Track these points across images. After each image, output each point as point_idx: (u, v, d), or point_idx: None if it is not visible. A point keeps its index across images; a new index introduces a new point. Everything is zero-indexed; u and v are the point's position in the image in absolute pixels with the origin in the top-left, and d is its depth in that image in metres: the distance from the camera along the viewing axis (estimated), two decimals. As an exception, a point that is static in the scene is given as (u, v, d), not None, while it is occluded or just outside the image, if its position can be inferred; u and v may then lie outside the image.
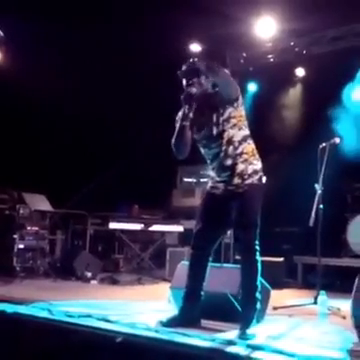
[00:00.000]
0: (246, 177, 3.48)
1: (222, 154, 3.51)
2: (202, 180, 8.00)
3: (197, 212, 3.77)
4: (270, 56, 8.62)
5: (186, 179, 8.63)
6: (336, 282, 6.20)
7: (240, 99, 3.58)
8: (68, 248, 7.80)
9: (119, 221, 7.09)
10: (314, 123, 7.32)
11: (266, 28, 7.84)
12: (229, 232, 5.88)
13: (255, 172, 3.51)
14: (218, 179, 3.58)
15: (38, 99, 7.93)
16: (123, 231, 7.25)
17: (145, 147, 8.48)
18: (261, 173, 3.55)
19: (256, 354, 2.80)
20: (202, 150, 3.68)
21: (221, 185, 3.56)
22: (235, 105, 3.53)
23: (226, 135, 3.50)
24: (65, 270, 6.59)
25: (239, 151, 3.50)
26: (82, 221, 7.80)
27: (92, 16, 7.45)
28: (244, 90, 8.64)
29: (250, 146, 3.56)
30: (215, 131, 3.52)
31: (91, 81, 8.04)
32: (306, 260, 6.66)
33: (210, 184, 3.68)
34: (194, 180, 8.44)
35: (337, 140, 4.74)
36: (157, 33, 7.52)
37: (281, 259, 6.40)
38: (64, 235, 7.88)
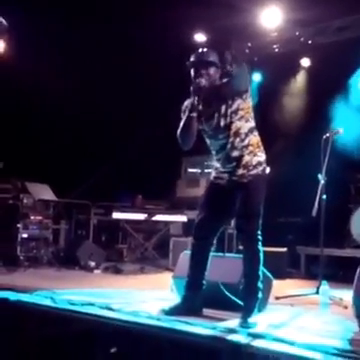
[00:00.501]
0: (251, 168, 3.50)
1: (229, 146, 3.51)
2: (207, 170, 8.00)
3: (200, 202, 3.77)
4: (275, 46, 8.55)
5: (190, 169, 8.62)
6: (339, 272, 6.20)
7: (249, 91, 3.58)
8: (71, 238, 7.81)
9: (122, 211, 7.11)
10: (318, 113, 7.28)
11: (271, 18, 7.79)
12: (233, 222, 5.91)
13: (259, 163, 3.53)
14: (222, 169, 3.60)
15: (42, 91, 7.94)
16: (127, 221, 7.26)
17: (149, 137, 8.48)
18: (265, 164, 3.57)
19: (257, 342, 2.82)
20: (208, 141, 3.68)
21: (225, 175, 3.58)
22: (244, 97, 3.53)
23: (234, 127, 3.50)
24: (68, 259, 6.62)
25: (245, 143, 3.51)
26: (86, 211, 7.82)
27: (94, 7, 7.43)
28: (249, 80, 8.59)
29: (255, 138, 3.57)
30: (223, 122, 3.52)
31: (94, 73, 8.04)
32: (309, 251, 6.66)
33: (214, 174, 3.69)
34: (199, 170, 8.43)
35: (341, 130, 4.72)
36: (162, 24, 7.50)
37: (284, 249, 6.40)
38: (68, 225, 7.89)
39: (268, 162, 3.61)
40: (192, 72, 3.57)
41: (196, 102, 3.44)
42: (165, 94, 7.87)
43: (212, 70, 3.55)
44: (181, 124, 3.53)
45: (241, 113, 3.51)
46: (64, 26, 7.34)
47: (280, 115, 8.16)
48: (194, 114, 3.46)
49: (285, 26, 8.04)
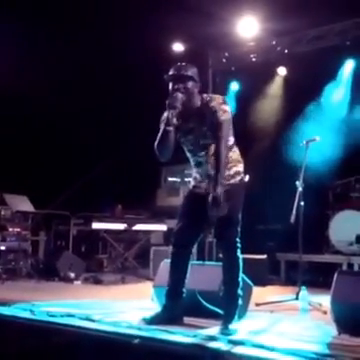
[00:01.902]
0: (229, 178, 3.53)
1: (208, 165, 3.54)
2: (186, 179, 7.99)
3: (178, 211, 3.77)
4: (252, 55, 8.67)
5: (170, 178, 8.63)
6: (319, 278, 6.26)
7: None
8: (51, 249, 7.74)
9: (102, 221, 7.06)
10: (295, 121, 7.38)
11: (248, 28, 7.90)
12: (212, 230, 5.91)
13: (237, 173, 3.57)
14: (201, 179, 3.63)
15: (19, 102, 7.88)
16: (107, 231, 7.22)
17: (129, 147, 8.47)
18: (243, 174, 3.60)
19: (237, 349, 2.82)
20: (187, 153, 3.69)
21: (204, 185, 3.60)
22: None
23: (213, 147, 3.49)
24: (48, 271, 6.54)
25: (227, 165, 3.50)
26: (65, 222, 7.76)
27: (75, 15, 7.44)
28: (227, 89, 8.69)
29: (235, 153, 3.60)
30: (202, 142, 3.52)
31: (73, 81, 8.03)
32: (289, 257, 6.71)
33: (193, 183, 3.72)
34: (178, 179, 8.44)
35: (317, 138, 4.78)
36: (140, 33, 7.53)
37: (264, 256, 6.44)
38: (47, 236, 7.81)
39: (246, 170, 3.65)
40: (170, 86, 3.55)
41: (171, 116, 3.43)
42: (144, 103, 7.89)
43: (190, 84, 3.52)
44: (158, 137, 3.51)
45: None
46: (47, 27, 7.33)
47: (258, 123, 8.24)
48: (170, 128, 3.44)
49: (262, 36, 8.16)
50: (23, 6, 7.08)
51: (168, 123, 3.44)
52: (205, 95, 3.60)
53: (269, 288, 6.00)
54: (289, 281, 6.36)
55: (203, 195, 3.58)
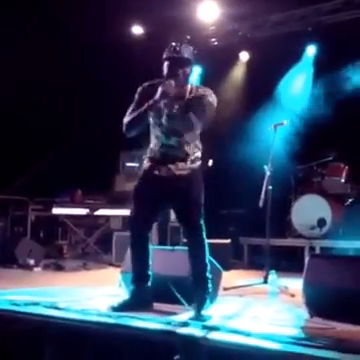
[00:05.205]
0: (191, 162, 3.49)
1: (178, 150, 3.47)
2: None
3: (133, 194, 3.60)
4: (214, 40, 8.64)
5: (129, 164, 8.52)
6: (281, 262, 6.34)
7: None
8: (8, 235, 7.49)
9: (63, 206, 6.88)
10: (258, 106, 7.40)
11: (209, 12, 7.86)
12: (173, 215, 5.85)
13: (198, 159, 3.55)
14: (160, 160, 3.51)
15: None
16: (67, 216, 7.05)
17: (86, 132, 8.29)
18: (201, 160, 3.57)
19: (212, 335, 2.78)
20: (156, 132, 3.54)
21: (163, 168, 3.49)
22: None
23: (187, 135, 3.44)
24: (6, 258, 6.32)
25: (191, 148, 3.49)
26: (22, 207, 7.51)
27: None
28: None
29: (200, 143, 3.57)
30: (180, 129, 3.42)
31: (28, 64, 7.72)
32: (252, 241, 6.77)
33: (149, 164, 3.56)
34: (137, 165, 8.33)
35: (286, 122, 4.79)
36: (98, 15, 7.33)
37: (228, 241, 6.45)
38: (3, 222, 7.55)
39: (210, 155, 3.61)
40: (165, 66, 3.40)
41: (159, 101, 3.33)
42: (102, 86, 7.71)
43: (188, 69, 3.44)
44: (134, 114, 3.41)
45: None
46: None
47: (221, 108, 8.20)
48: (151, 112, 3.38)
49: (223, 20, 8.13)
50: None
51: (152, 107, 3.36)
52: (194, 84, 3.53)
53: (233, 272, 6.02)
54: (252, 265, 6.41)
55: (161, 177, 3.48)
